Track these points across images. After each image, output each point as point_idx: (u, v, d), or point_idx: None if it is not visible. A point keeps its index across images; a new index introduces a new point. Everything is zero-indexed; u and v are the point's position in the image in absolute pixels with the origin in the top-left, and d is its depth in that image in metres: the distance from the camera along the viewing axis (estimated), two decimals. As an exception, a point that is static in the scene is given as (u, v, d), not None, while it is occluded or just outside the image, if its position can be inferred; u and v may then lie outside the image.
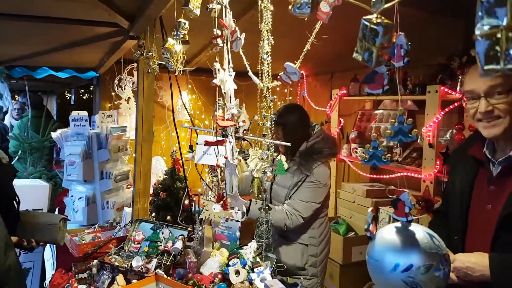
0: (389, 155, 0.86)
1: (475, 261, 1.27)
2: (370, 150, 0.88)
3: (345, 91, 3.74)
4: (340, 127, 3.86)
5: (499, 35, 0.44)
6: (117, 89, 3.92)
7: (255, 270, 1.76)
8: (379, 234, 0.98)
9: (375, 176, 3.65)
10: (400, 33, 0.73)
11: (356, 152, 3.64)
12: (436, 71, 2.93)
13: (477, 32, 0.46)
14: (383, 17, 0.67)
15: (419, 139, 3.18)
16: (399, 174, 3.10)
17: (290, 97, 4.85)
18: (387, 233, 0.97)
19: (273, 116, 1.50)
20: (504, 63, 0.44)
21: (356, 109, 4.07)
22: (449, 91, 2.69)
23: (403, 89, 3.10)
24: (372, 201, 3.42)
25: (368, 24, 0.68)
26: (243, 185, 2.52)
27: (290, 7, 0.91)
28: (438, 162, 2.73)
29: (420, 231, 0.94)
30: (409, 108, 3.49)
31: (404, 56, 0.76)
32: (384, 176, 3.43)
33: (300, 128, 2.35)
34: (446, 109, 2.73)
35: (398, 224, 0.96)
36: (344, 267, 3.37)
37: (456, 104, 2.71)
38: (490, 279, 1.23)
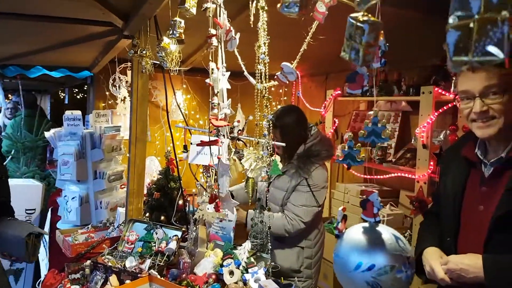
0: (364, 155, 0.87)
1: (468, 263, 1.27)
2: (346, 149, 0.88)
3: (339, 92, 3.75)
4: (334, 128, 3.87)
5: (471, 25, 0.43)
6: (111, 88, 3.90)
7: (249, 270, 1.76)
8: (347, 233, 0.99)
9: (369, 176, 3.66)
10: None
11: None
12: (430, 72, 2.95)
13: (449, 22, 0.46)
14: (369, 15, 0.67)
15: (413, 140, 3.20)
16: (393, 175, 3.11)
17: (285, 98, 4.86)
18: (354, 233, 0.98)
19: (270, 117, 1.50)
20: (472, 54, 0.43)
21: (351, 110, 4.09)
22: (443, 92, 2.71)
23: (397, 90, 3.11)
24: (366, 201, 3.43)
25: (354, 22, 0.68)
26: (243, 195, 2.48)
27: (278, 5, 0.91)
28: (432, 163, 2.75)
29: (386, 233, 0.95)
30: (403, 109, 3.51)
31: (381, 57, 0.76)
32: (378, 177, 3.45)
33: (298, 130, 2.33)
34: (440, 110, 2.75)
35: (366, 224, 0.97)
36: (338, 267, 3.37)
37: (450, 105, 2.73)
38: (484, 281, 1.23)
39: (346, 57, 0.71)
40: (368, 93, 3.28)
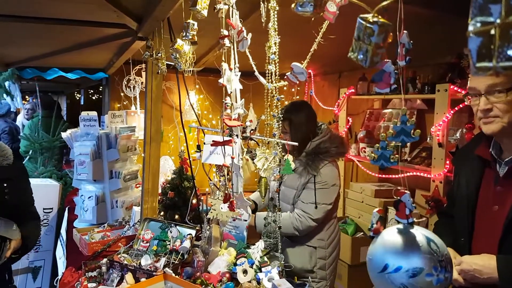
0: (397, 155, 0.85)
1: (482, 263, 1.25)
2: (379, 150, 0.87)
3: (353, 90, 3.72)
4: (348, 127, 3.84)
5: (492, 32, 0.43)
6: (126, 89, 3.96)
7: (263, 269, 1.76)
8: (381, 234, 0.98)
9: (384, 176, 3.63)
10: (404, 31, 0.73)
11: (365, 152, 3.62)
12: (446, 69, 2.90)
13: (470, 29, 0.45)
14: (379, 16, 0.67)
15: (428, 139, 3.16)
16: (408, 174, 3.08)
17: (298, 97, 4.84)
18: (386, 234, 0.97)
19: (278, 115, 1.50)
20: (496, 60, 0.43)
21: (365, 108, 4.05)
22: (459, 90, 2.66)
23: (412, 88, 3.07)
24: (380, 201, 3.40)
25: (364, 23, 0.68)
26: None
27: (293, 5, 0.91)
28: (448, 162, 2.71)
29: (419, 235, 0.93)
30: (418, 107, 3.46)
31: (406, 55, 0.75)
32: (393, 176, 3.41)
33: (308, 125, 2.31)
34: (456, 108, 2.71)
35: (400, 226, 0.96)
36: (353, 267, 3.36)
37: (465, 103, 2.68)
38: (498, 281, 1.21)
39: (354, 58, 0.71)
40: (396, 91, 3.25)
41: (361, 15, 0.68)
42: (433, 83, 2.85)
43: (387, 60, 0.74)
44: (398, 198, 0.92)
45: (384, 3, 0.66)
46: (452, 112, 2.70)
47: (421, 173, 2.95)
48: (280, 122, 1.54)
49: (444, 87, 2.71)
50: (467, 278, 1.28)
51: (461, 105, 2.71)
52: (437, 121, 2.75)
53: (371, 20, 0.66)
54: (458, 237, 1.43)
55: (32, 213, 2.19)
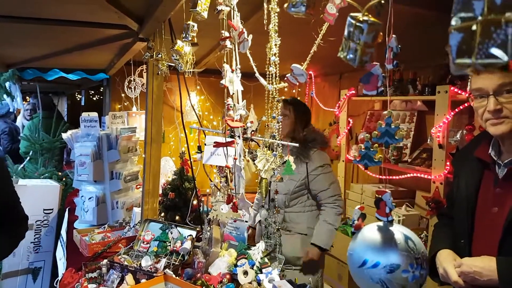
0: (381, 156, 0.86)
1: (482, 265, 1.25)
2: (363, 150, 0.89)
3: (354, 92, 3.72)
4: (348, 128, 3.84)
5: (474, 27, 0.42)
6: (127, 90, 3.96)
7: (263, 270, 1.76)
8: (361, 230, 1.02)
9: (384, 177, 3.63)
10: (393, 35, 0.73)
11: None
12: (446, 71, 2.91)
13: (452, 24, 0.45)
14: (369, 15, 0.67)
15: (429, 140, 3.16)
16: (409, 175, 3.08)
17: (298, 98, 4.85)
18: (366, 230, 1.01)
19: (279, 118, 1.51)
20: (476, 57, 0.42)
21: (365, 110, 4.05)
22: (459, 91, 2.67)
23: (412, 89, 3.08)
24: (381, 202, 3.39)
25: (353, 21, 0.68)
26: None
27: (285, 5, 0.91)
28: (448, 163, 2.71)
29: (397, 232, 0.96)
30: (419, 108, 3.47)
31: (394, 59, 0.75)
32: (394, 177, 3.41)
33: (306, 114, 2.63)
34: (456, 110, 2.71)
35: (380, 223, 0.99)
36: (353, 268, 3.35)
37: (466, 105, 2.68)
38: (498, 284, 1.21)
39: (343, 57, 0.71)
40: (383, 93, 3.26)
41: (351, 14, 0.68)
42: (434, 85, 2.86)
43: (375, 63, 0.74)
44: (379, 196, 0.95)
45: (374, 1, 0.66)
46: (452, 113, 2.70)
47: (422, 174, 2.95)
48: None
49: (445, 88, 2.71)
50: (467, 280, 1.28)
51: (461, 107, 2.71)
52: (438, 122, 2.75)
53: (361, 19, 0.66)
54: (458, 239, 1.43)
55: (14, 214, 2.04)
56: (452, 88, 2.67)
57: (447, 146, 2.74)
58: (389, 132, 0.83)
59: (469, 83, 2.62)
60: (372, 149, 0.89)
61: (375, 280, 0.93)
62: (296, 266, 2.44)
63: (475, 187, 1.40)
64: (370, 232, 0.98)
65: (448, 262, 1.35)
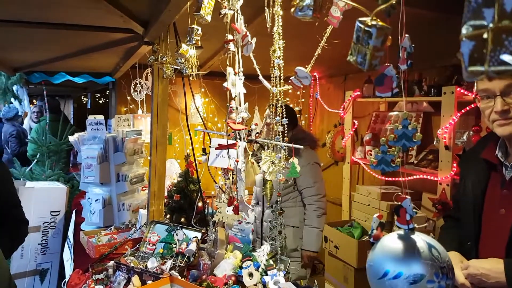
0: (399, 160, 0.84)
1: (489, 267, 1.24)
2: (379, 154, 0.86)
3: (359, 93, 3.71)
4: (354, 129, 3.83)
5: (485, 36, 0.43)
6: (133, 93, 3.99)
7: (269, 273, 1.76)
8: (381, 240, 0.97)
9: (390, 178, 3.61)
10: (406, 35, 0.73)
11: (371, 155, 3.61)
12: (452, 72, 2.89)
13: (463, 32, 0.45)
14: (378, 19, 0.67)
15: (435, 141, 3.14)
16: (415, 177, 3.06)
17: (303, 99, 4.85)
18: (387, 239, 0.95)
19: (285, 121, 1.51)
20: (488, 64, 0.42)
21: (371, 111, 4.04)
22: (465, 92, 2.65)
23: (418, 91, 3.06)
24: (387, 204, 3.38)
25: (362, 26, 0.68)
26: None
27: (292, 10, 0.91)
28: (455, 165, 2.69)
29: (420, 241, 0.91)
30: (425, 109, 3.45)
31: (408, 59, 0.75)
32: (400, 179, 3.39)
33: (291, 115, 2.66)
34: (463, 111, 2.69)
35: (401, 232, 0.94)
36: (359, 271, 3.33)
37: (472, 106, 2.66)
38: (506, 286, 1.20)
39: (352, 61, 0.71)
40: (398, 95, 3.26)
41: (360, 18, 0.68)
42: (440, 86, 2.84)
43: (388, 64, 0.74)
44: (399, 203, 0.91)
45: (382, 6, 0.66)
46: (458, 114, 2.68)
47: (428, 176, 2.93)
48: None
49: (451, 89, 2.69)
50: (474, 282, 1.27)
51: (467, 107, 2.69)
52: (444, 123, 2.74)
53: (369, 23, 0.67)
54: (465, 241, 1.42)
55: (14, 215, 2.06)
56: (458, 89, 2.65)
57: (453, 148, 2.72)
58: (407, 134, 0.81)
59: (475, 84, 2.61)
60: (389, 153, 0.86)
61: None
62: (290, 257, 2.51)
63: (482, 189, 1.39)
64: (390, 241, 0.92)
65: (455, 264, 1.34)
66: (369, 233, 0.98)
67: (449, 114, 2.71)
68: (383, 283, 0.90)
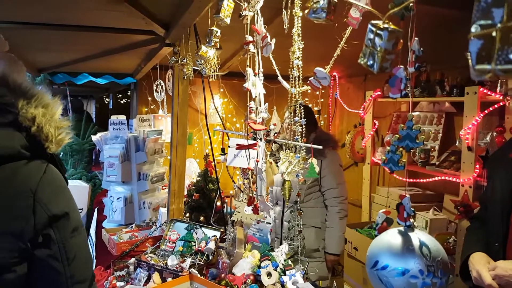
0: (404, 160, 0.86)
1: None
2: (388, 153, 0.89)
3: (379, 93, 3.67)
4: (374, 130, 3.79)
5: (494, 34, 0.43)
6: (155, 94, 4.05)
7: (287, 272, 1.77)
8: (382, 233, 1.03)
9: (411, 180, 3.55)
10: (415, 38, 0.73)
11: (391, 155, 3.56)
12: (475, 71, 2.82)
13: (472, 31, 0.45)
14: (390, 23, 0.67)
15: (457, 142, 3.08)
16: (436, 178, 3.01)
17: (322, 99, 4.82)
18: (385, 233, 1.01)
19: (303, 121, 1.51)
20: (495, 63, 0.43)
21: (392, 111, 3.98)
22: (489, 92, 2.59)
23: (440, 91, 3.01)
24: (407, 205, 3.33)
25: (374, 29, 0.68)
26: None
27: (306, 11, 0.92)
28: (477, 166, 2.63)
29: (415, 238, 0.95)
30: (447, 110, 3.38)
31: (415, 62, 0.75)
32: (421, 180, 3.34)
33: (311, 117, 2.65)
34: (486, 111, 2.63)
35: (401, 228, 0.99)
36: (378, 272, 3.30)
37: (496, 106, 2.60)
38: None
39: (363, 63, 0.71)
40: (409, 95, 3.21)
41: (372, 21, 0.69)
42: (462, 86, 2.78)
43: (400, 66, 0.74)
44: (400, 201, 0.95)
45: (396, 8, 0.66)
46: (482, 115, 2.62)
47: (450, 177, 2.88)
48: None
49: (474, 89, 2.63)
50: (501, 284, 1.25)
51: (491, 108, 2.63)
52: (466, 124, 2.68)
53: (381, 26, 0.67)
54: (492, 242, 1.40)
55: None
56: (481, 89, 2.59)
57: (476, 149, 2.66)
58: (410, 135, 0.83)
59: (499, 84, 2.54)
60: (397, 153, 0.88)
61: (383, 282, 0.94)
62: (312, 258, 2.54)
63: (510, 190, 1.36)
64: (388, 235, 0.99)
65: (481, 265, 1.32)
66: (374, 226, 1.03)
67: (472, 114, 2.65)
68: (373, 273, 0.97)
